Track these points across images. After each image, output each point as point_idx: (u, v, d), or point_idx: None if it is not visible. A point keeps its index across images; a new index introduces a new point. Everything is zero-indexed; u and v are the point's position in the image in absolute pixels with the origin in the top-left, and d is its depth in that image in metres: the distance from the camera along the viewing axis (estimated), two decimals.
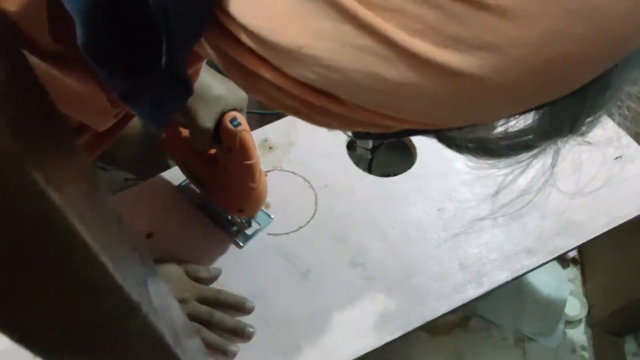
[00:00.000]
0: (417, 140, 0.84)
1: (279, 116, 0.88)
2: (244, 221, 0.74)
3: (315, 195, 0.79)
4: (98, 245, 0.13)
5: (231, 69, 0.27)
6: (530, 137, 0.27)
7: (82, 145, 0.42)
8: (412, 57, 0.20)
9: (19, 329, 0.13)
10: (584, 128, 0.26)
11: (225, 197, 0.69)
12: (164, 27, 0.22)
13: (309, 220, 0.76)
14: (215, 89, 0.58)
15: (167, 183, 0.79)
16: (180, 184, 0.79)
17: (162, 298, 0.19)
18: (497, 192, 0.34)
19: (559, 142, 0.28)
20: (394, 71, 0.20)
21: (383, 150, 1.00)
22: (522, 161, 0.29)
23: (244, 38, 0.23)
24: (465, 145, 0.30)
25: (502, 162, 0.29)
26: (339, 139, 0.85)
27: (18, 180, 0.10)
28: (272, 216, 0.76)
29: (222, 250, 0.73)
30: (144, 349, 0.18)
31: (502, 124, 0.27)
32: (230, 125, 0.57)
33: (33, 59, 0.29)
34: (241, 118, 0.58)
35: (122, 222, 0.16)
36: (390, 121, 0.24)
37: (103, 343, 0.16)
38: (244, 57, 0.24)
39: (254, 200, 0.66)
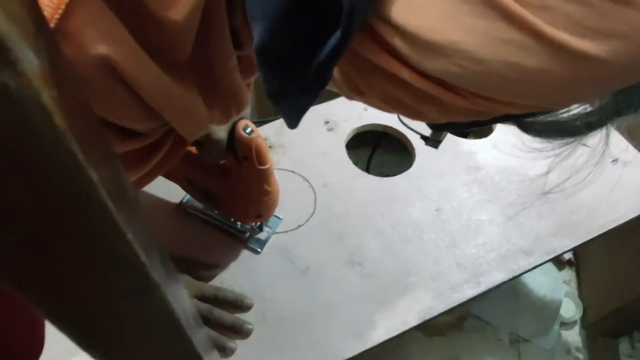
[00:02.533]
0: (416, 142, 0.85)
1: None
2: (255, 227, 0.74)
3: (315, 194, 0.79)
4: (125, 223, 0.13)
5: (353, 70, 0.30)
6: (599, 116, 0.31)
7: (165, 152, 0.44)
8: (554, 47, 0.23)
9: (49, 302, 0.14)
10: None
11: (241, 206, 0.68)
12: (348, 24, 0.25)
13: (308, 219, 0.77)
14: None
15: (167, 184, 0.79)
16: (180, 202, 0.77)
17: (176, 283, 0.20)
18: (548, 171, 0.39)
19: (614, 122, 0.32)
20: (534, 60, 0.23)
21: (382, 150, 1.01)
22: (571, 143, 0.33)
23: (389, 36, 0.26)
24: (543, 129, 0.33)
25: (561, 142, 0.34)
26: (338, 138, 0.86)
27: (63, 157, 0.10)
28: (280, 217, 0.76)
29: (227, 252, 0.73)
30: (161, 328, 0.19)
31: (579, 106, 0.31)
32: (244, 134, 0.57)
33: (150, 72, 0.31)
34: (251, 124, 0.58)
35: (142, 207, 0.16)
36: (501, 107, 0.27)
37: (124, 319, 0.17)
38: (378, 55, 0.27)
39: (271, 203, 0.66)
